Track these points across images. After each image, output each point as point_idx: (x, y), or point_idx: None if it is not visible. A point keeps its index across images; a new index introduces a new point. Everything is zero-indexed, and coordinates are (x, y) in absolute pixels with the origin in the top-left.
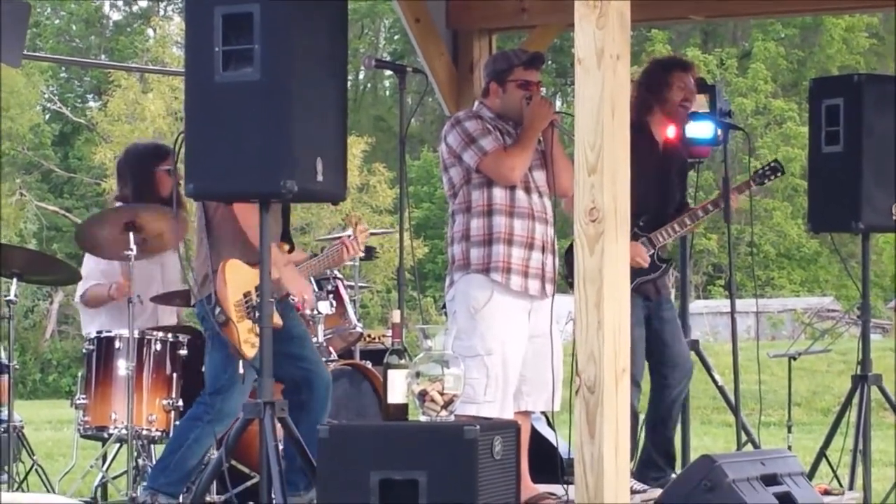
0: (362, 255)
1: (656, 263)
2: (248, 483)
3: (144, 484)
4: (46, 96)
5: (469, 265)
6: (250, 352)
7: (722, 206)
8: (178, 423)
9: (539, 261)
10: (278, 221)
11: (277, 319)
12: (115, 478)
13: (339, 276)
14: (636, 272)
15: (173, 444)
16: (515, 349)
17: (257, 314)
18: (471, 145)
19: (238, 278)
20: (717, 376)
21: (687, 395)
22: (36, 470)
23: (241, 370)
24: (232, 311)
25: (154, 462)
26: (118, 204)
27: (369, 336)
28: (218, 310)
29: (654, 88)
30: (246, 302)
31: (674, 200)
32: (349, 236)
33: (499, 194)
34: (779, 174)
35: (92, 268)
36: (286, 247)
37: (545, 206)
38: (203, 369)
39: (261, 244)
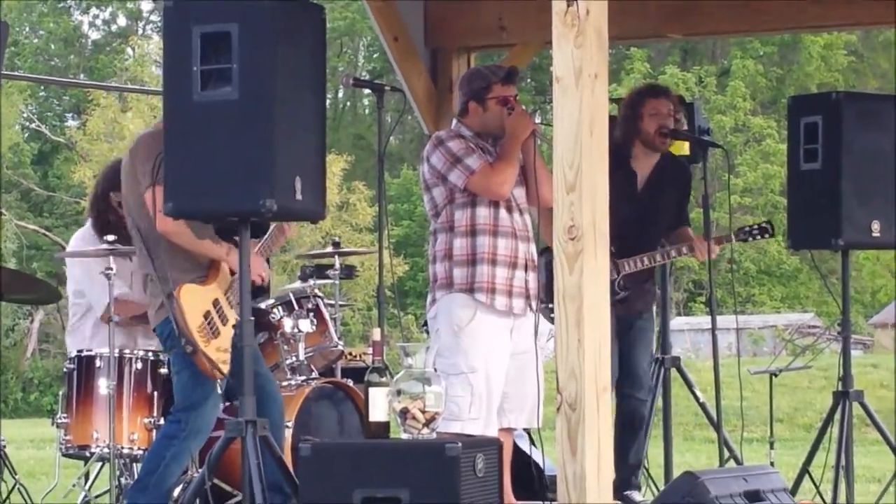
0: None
1: (615, 290)
2: (231, 502)
3: None
4: (25, 115)
5: (452, 284)
6: (226, 369)
7: (693, 252)
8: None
9: (522, 279)
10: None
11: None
12: (97, 496)
13: (319, 294)
14: None
15: (150, 464)
16: (498, 366)
17: (220, 330)
18: (456, 165)
19: (194, 302)
20: (698, 393)
21: (669, 411)
22: (18, 489)
23: (219, 390)
24: (197, 339)
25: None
26: (89, 220)
27: (350, 354)
28: (183, 340)
29: (630, 120)
30: (208, 323)
31: (657, 225)
32: None
33: (482, 214)
34: (767, 236)
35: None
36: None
37: (526, 224)
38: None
39: (241, 264)
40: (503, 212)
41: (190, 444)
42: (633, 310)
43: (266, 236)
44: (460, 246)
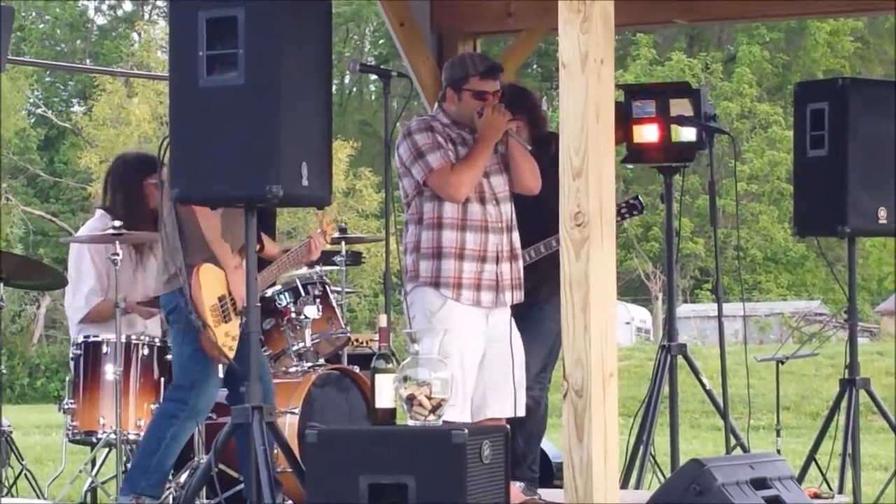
0: (327, 245)
1: None
2: (238, 488)
3: (122, 488)
4: (31, 101)
5: (418, 277)
6: (230, 354)
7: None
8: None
9: (493, 272)
10: (241, 224)
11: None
12: (104, 482)
13: (325, 280)
14: None
15: (151, 445)
16: (472, 352)
17: (232, 316)
18: (418, 160)
19: (212, 282)
20: (705, 380)
21: (676, 399)
22: (25, 475)
23: (220, 374)
24: (208, 316)
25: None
26: (99, 212)
27: (357, 340)
28: (194, 315)
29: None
30: (221, 307)
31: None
32: (318, 231)
33: (450, 208)
34: (636, 213)
35: (92, 286)
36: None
37: (501, 215)
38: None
39: (247, 248)
40: (474, 205)
41: (190, 424)
42: (534, 297)
43: (291, 253)
44: (427, 239)
